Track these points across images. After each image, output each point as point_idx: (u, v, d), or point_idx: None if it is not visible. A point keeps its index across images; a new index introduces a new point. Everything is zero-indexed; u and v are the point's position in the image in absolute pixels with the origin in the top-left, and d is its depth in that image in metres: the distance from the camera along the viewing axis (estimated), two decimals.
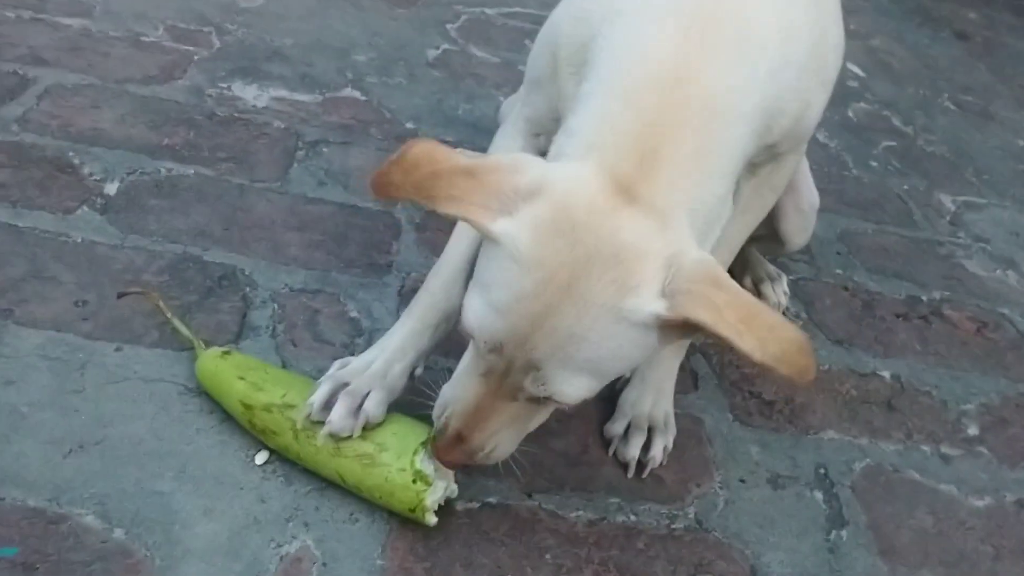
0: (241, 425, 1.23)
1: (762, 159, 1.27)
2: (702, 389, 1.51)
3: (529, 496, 1.26)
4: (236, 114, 1.93)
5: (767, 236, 1.56)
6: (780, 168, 1.33)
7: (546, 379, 0.97)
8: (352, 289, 1.53)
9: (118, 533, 1.09)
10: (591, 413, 1.39)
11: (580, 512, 1.25)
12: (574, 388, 0.98)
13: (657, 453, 1.32)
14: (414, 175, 0.96)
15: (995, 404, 1.65)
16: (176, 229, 1.57)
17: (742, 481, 1.36)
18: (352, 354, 1.31)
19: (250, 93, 2.02)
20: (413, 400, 1.20)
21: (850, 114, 2.66)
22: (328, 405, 1.17)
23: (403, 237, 1.67)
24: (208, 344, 1.31)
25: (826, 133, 2.47)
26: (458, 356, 1.10)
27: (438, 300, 1.25)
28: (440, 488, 1.14)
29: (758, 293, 1.74)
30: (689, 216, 0.98)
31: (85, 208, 1.56)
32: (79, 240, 1.49)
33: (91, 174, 1.65)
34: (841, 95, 2.61)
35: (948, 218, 2.24)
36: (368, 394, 1.19)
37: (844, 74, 1.35)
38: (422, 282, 1.29)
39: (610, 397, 1.40)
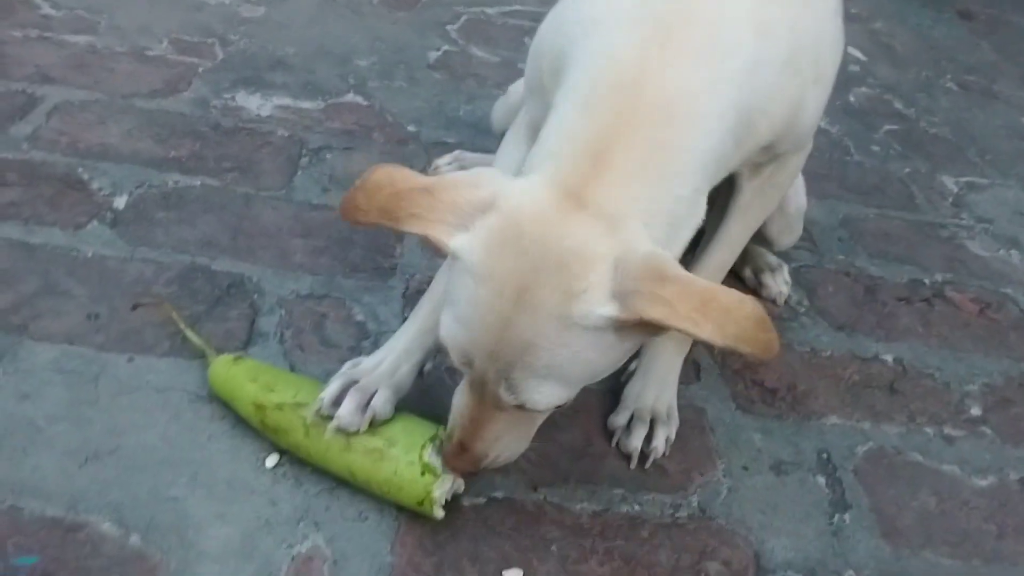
0: (252, 428, 1.26)
1: (762, 159, 1.28)
2: (704, 379, 1.53)
3: (534, 490, 1.28)
4: (240, 124, 1.96)
5: (754, 236, 1.58)
6: (783, 168, 1.34)
7: (515, 388, 1.00)
8: (357, 293, 1.56)
9: (134, 539, 1.12)
10: (595, 406, 1.42)
11: (585, 504, 1.28)
12: (542, 395, 1.00)
13: (659, 444, 1.34)
14: (377, 198, 0.99)
15: (998, 384, 1.67)
16: (184, 240, 1.60)
17: (745, 468, 1.38)
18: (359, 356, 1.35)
19: (254, 103, 2.05)
20: (422, 399, 1.25)
21: (851, 99, 2.67)
22: (338, 402, 1.21)
23: (406, 240, 1.70)
24: (218, 352, 1.34)
25: (827, 119, 2.48)
26: None
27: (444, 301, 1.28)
28: (448, 481, 1.17)
29: (759, 283, 1.76)
30: (645, 217, 1.00)
31: (95, 223, 1.60)
32: (90, 255, 1.53)
33: (100, 189, 1.68)
34: (842, 80, 2.61)
35: (951, 200, 2.24)
36: (376, 392, 1.23)
37: (845, 59, 1.36)
38: (426, 284, 1.33)
39: (614, 390, 1.43)
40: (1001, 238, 2.12)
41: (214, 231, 1.64)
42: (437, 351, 1.30)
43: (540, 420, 1.14)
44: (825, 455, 1.44)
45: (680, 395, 1.43)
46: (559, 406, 1.04)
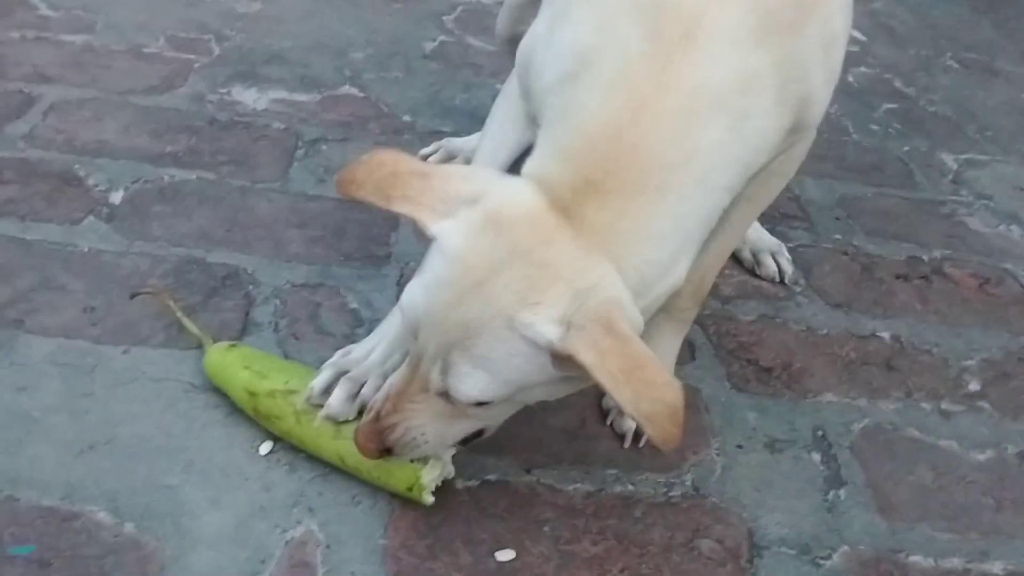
0: (246, 417, 1.27)
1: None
2: (699, 359, 1.53)
3: (528, 472, 1.29)
4: (236, 118, 1.97)
5: None
6: (789, 156, 1.31)
7: (447, 370, 1.02)
8: (351, 281, 1.57)
9: (129, 527, 1.13)
10: (589, 389, 1.42)
11: (578, 485, 1.28)
12: (467, 384, 1.01)
13: None
14: (376, 175, 1.04)
15: (997, 359, 1.66)
16: (180, 233, 1.61)
17: (739, 447, 1.38)
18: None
19: (250, 97, 2.06)
20: None
21: (850, 79, 2.66)
22: (328, 390, 1.22)
23: (401, 229, 1.70)
24: (214, 341, 1.35)
25: None
26: None
27: None
28: (437, 467, 1.17)
29: (757, 262, 1.75)
30: (619, 262, 1.01)
31: (91, 218, 1.61)
32: (86, 249, 1.54)
33: (96, 185, 1.70)
34: None
35: (950, 177, 2.23)
36: (367, 382, 1.24)
37: None
38: None
39: None
40: (1001, 214, 2.11)
41: (210, 223, 1.65)
42: None
43: (461, 425, 1.12)
44: (820, 432, 1.44)
45: (675, 375, 1.43)
46: (480, 404, 1.04)
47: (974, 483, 1.40)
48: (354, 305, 1.52)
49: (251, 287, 1.52)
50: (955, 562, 1.27)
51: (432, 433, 1.10)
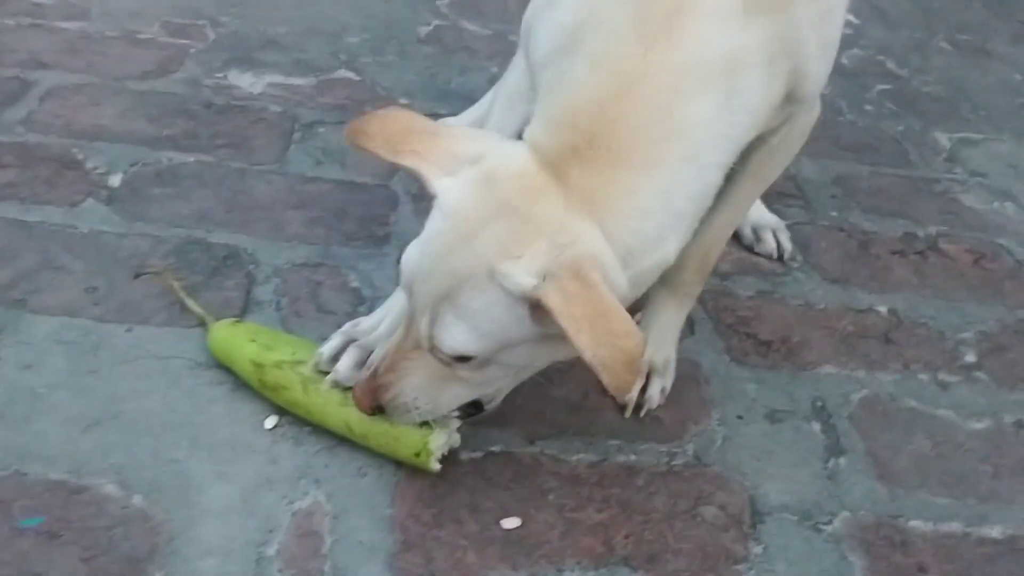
0: (251, 392, 1.28)
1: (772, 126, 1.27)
2: (699, 332, 1.54)
3: (531, 443, 1.30)
4: (233, 102, 1.98)
5: None
6: (792, 131, 1.32)
7: (435, 321, 1.04)
8: (352, 260, 1.57)
9: (137, 499, 1.14)
10: None
11: (581, 455, 1.29)
12: (451, 336, 1.04)
13: (654, 394, 1.36)
14: (388, 128, 1.08)
15: (993, 331, 1.67)
16: (179, 215, 1.62)
17: (739, 418, 1.40)
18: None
19: (246, 81, 2.07)
20: None
21: (844, 61, 2.66)
22: (336, 358, 1.24)
23: (401, 208, 1.71)
24: (217, 319, 1.36)
25: None
26: None
27: None
28: (444, 434, 1.19)
29: (757, 239, 1.76)
30: (603, 227, 1.03)
31: (91, 200, 1.62)
32: (86, 231, 1.55)
33: (95, 168, 1.70)
34: None
35: (944, 155, 2.25)
36: (375, 351, 1.24)
37: None
38: None
39: None
40: (995, 191, 2.13)
41: (209, 205, 1.65)
42: None
43: (454, 391, 1.13)
44: (820, 403, 1.45)
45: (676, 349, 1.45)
46: (464, 359, 1.06)
47: (972, 451, 1.42)
48: (355, 284, 1.53)
49: (252, 267, 1.53)
50: (954, 526, 1.28)
51: (424, 399, 1.12)
